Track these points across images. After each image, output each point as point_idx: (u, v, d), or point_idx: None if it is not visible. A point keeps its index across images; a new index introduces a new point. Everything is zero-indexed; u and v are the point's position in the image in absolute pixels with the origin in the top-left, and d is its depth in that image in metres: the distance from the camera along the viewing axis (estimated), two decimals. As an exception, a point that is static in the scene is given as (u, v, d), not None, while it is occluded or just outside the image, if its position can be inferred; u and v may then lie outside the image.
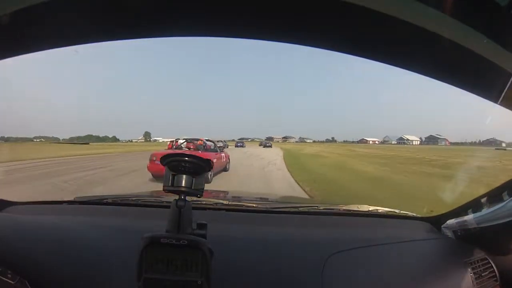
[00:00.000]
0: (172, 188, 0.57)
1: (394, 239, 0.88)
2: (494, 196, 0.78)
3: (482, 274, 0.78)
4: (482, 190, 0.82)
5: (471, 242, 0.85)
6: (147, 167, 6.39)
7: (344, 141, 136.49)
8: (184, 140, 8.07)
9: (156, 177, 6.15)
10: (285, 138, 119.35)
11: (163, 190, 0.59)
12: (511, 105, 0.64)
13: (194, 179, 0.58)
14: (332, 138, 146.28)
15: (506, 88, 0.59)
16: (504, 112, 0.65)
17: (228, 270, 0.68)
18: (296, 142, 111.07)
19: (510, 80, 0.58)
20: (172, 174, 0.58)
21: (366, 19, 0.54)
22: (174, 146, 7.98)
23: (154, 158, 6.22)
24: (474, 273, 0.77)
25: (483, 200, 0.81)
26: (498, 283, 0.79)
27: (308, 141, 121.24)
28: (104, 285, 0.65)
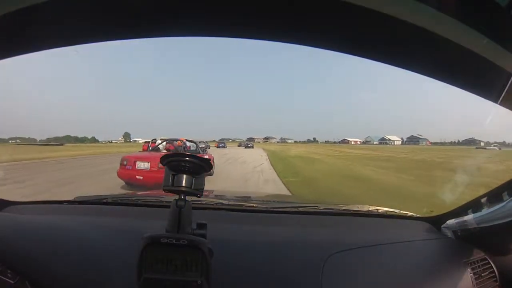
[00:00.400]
0: (172, 188, 0.57)
1: (394, 239, 0.88)
2: (494, 196, 0.78)
3: (482, 274, 0.78)
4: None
5: (471, 242, 0.85)
6: (117, 173, 5.52)
7: (325, 141, 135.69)
8: (162, 141, 7.19)
9: (128, 184, 5.38)
10: (266, 139, 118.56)
11: (163, 190, 0.59)
12: (511, 105, 0.64)
13: (194, 179, 0.58)
14: (314, 138, 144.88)
15: (506, 88, 0.59)
16: (504, 112, 0.65)
17: (228, 270, 0.68)
18: (277, 142, 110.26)
19: (510, 80, 0.58)
20: (172, 174, 0.58)
21: (366, 19, 0.54)
22: (151, 148, 7.00)
23: (125, 163, 5.42)
24: (474, 273, 0.77)
25: (483, 200, 0.81)
26: (498, 283, 0.79)
27: (290, 141, 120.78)
28: (104, 285, 0.66)
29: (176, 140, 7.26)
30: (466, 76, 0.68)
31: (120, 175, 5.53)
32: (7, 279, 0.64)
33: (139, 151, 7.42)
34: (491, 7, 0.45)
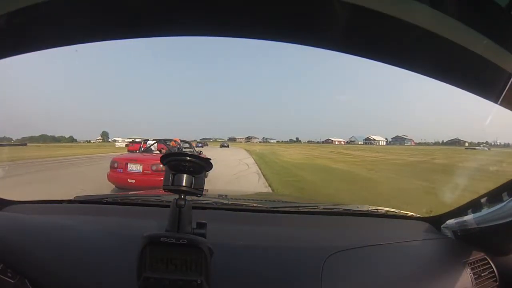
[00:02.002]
0: (172, 187, 0.58)
1: (393, 239, 0.88)
2: (494, 196, 0.78)
3: (482, 275, 0.78)
4: None
5: (471, 242, 0.85)
6: (108, 176, 5.09)
7: (308, 141, 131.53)
8: (155, 141, 6.68)
9: (120, 188, 4.96)
10: (248, 139, 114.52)
11: (163, 189, 0.59)
12: (511, 105, 0.64)
13: (194, 178, 0.58)
14: (297, 138, 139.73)
15: (506, 89, 0.59)
16: (504, 112, 0.64)
17: (228, 270, 0.68)
18: (260, 142, 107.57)
19: (510, 80, 0.58)
20: (172, 174, 0.58)
21: (366, 19, 0.54)
22: (142, 149, 6.51)
23: (116, 165, 4.97)
24: (474, 273, 0.77)
25: (483, 200, 0.81)
26: (497, 283, 0.79)
27: (272, 141, 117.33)
28: (104, 284, 0.66)
29: (170, 140, 6.75)
30: (466, 76, 0.68)
31: (110, 179, 5.08)
32: (7, 278, 0.64)
33: (127, 152, 6.75)
34: (491, 7, 0.45)
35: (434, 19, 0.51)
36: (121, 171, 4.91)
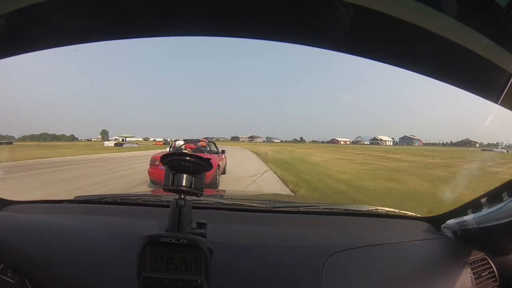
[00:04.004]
0: (172, 187, 0.58)
1: (393, 239, 0.88)
2: (494, 196, 0.78)
3: (482, 274, 0.78)
4: None
5: (471, 242, 0.85)
6: (148, 172, 5.61)
7: (312, 141, 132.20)
8: (183, 142, 7.11)
9: (156, 183, 5.43)
10: (252, 138, 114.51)
11: (163, 189, 0.59)
12: (511, 105, 0.64)
13: (194, 178, 0.59)
14: (301, 138, 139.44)
15: (506, 89, 0.59)
16: (504, 113, 0.64)
17: (228, 269, 0.68)
18: (263, 141, 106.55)
19: (510, 80, 0.58)
20: (172, 173, 0.58)
21: (366, 19, 0.54)
22: (173, 148, 6.96)
23: (157, 163, 5.33)
24: (474, 273, 0.77)
25: (483, 200, 0.81)
26: (497, 283, 0.79)
27: (276, 140, 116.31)
28: (104, 284, 0.66)
29: (198, 141, 7.26)
30: (466, 76, 0.68)
31: (151, 175, 5.55)
32: (7, 278, 0.64)
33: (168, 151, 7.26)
34: (491, 7, 0.45)
35: (434, 19, 0.51)
36: (163, 168, 5.16)
